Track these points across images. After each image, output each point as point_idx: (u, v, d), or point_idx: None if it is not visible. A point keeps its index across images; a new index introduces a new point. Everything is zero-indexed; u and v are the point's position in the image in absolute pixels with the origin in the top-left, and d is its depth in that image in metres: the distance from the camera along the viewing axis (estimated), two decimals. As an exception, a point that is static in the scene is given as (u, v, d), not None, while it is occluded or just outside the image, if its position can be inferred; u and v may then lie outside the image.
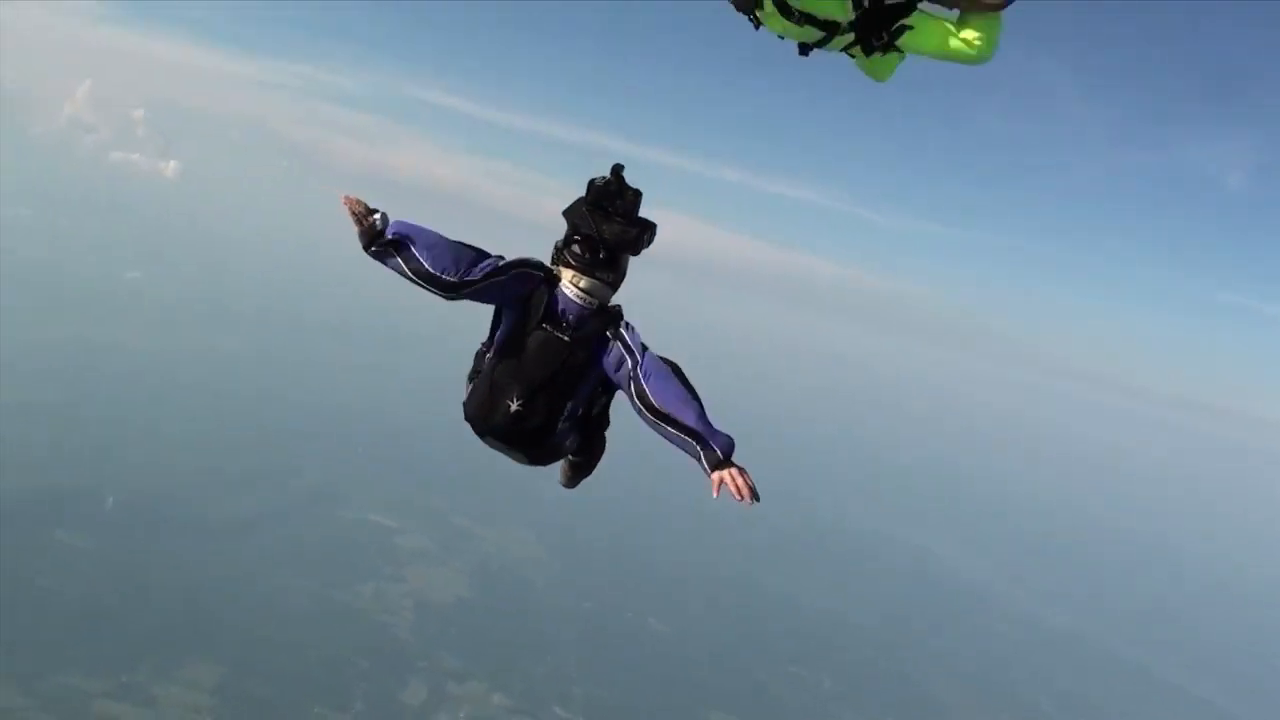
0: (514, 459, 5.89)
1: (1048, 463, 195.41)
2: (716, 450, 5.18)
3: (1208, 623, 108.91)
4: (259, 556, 60.48)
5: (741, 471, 5.14)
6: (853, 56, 5.49)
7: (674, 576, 63.06)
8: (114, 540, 56.70)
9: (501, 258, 5.49)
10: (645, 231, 5.63)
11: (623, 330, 5.55)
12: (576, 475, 6.53)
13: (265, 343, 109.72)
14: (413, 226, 5.36)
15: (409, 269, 5.25)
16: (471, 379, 5.89)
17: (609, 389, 5.79)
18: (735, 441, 5.24)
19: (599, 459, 6.30)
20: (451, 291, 5.35)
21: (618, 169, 5.59)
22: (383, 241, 5.23)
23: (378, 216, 5.27)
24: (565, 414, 5.60)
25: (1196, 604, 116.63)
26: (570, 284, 5.56)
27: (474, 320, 5.89)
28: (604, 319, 5.57)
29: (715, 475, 5.13)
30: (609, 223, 5.57)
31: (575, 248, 5.60)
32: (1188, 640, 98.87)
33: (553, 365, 5.48)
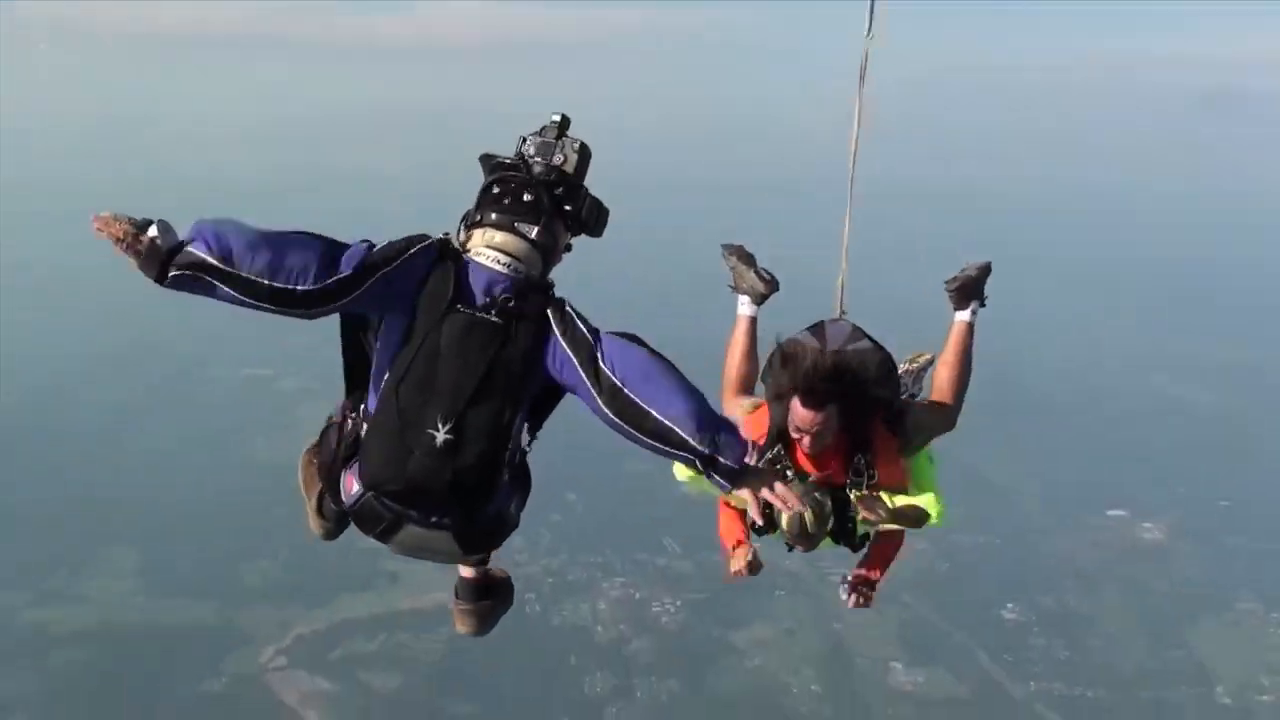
0: (433, 550, 4.20)
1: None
2: (730, 464, 3.80)
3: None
4: (140, 439, 59.64)
5: (776, 479, 3.90)
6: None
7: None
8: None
9: (367, 242, 3.84)
10: (590, 198, 4.15)
11: (568, 310, 3.90)
12: (496, 605, 4.91)
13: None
14: (220, 226, 3.61)
15: (240, 290, 3.59)
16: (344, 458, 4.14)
17: (541, 406, 4.07)
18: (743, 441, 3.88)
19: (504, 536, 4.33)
20: (313, 305, 3.71)
21: (563, 118, 4.17)
22: (184, 262, 3.55)
23: (154, 231, 3.54)
24: (512, 440, 3.92)
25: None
26: (483, 246, 3.92)
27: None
28: (541, 295, 3.91)
29: (745, 494, 3.87)
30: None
31: (491, 191, 4.01)
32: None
33: (484, 359, 3.78)
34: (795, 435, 5.18)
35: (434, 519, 3.99)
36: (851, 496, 5.24)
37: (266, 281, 3.59)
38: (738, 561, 5.59)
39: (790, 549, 5.48)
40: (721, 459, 3.76)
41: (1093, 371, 78.41)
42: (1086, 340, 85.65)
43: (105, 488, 54.26)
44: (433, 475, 3.78)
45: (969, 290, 5.92)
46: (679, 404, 3.75)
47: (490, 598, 4.92)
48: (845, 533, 5.40)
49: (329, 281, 3.67)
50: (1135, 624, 49.51)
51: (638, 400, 3.74)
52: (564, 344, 3.82)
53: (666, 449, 3.78)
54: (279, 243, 3.64)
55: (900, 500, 5.27)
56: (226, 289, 3.58)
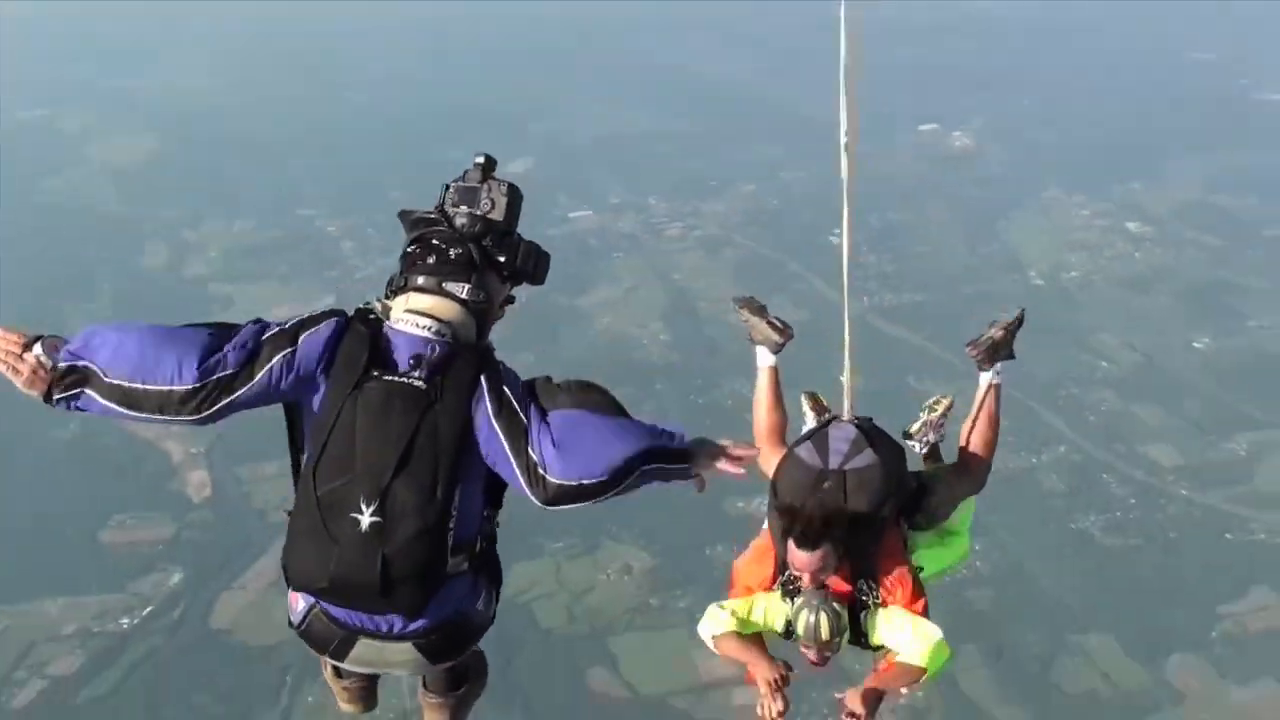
0: (396, 664, 3.63)
1: None
2: (689, 467, 3.43)
3: None
4: None
5: (720, 454, 3.44)
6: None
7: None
8: None
9: (259, 323, 3.34)
10: (525, 244, 3.63)
11: (506, 377, 3.39)
12: (471, 689, 4.40)
13: None
14: (93, 334, 3.21)
15: (117, 401, 3.15)
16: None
17: (498, 480, 3.46)
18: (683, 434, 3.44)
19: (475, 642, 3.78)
20: (202, 407, 3.21)
21: (486, 160, 3.62)
22: (58, 380, 3.15)
23: (38, 349, 3.15)
24: (454, 517, 3.30)
25: None
26: (405, 312, 3.40)
27: None
28: (475, 359, 3.38)
29: (712, 469, 3.45)
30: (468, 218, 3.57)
31: (413, 251, 3.50)
32: None
33: (407, 427, 3.22)
34: (796, 573, 5.12)
35: (385, 629, 3.47)
36: (861, 617, 5.22)
37: (141, 386, 3.14)
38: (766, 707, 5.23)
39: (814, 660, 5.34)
40: (672, 455, 3.37)
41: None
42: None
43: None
44: (360, 566, 3.20)
45: (995, 352, 5.66)
46: (616, 455, 3.26)
47: (466, 681, 4.36)
48: (859, 639, 5.33)
49: (211, 378, 3.19)
50: (953, 228, 52.53)
51: (571, 484, 3.24)
52: (493, 418, 3.30)
53: (625, 494, 3.35)
54: (158, 340, 3.19)
55: (895, 657, 5.15)
56: (103, 401, 3.16)
